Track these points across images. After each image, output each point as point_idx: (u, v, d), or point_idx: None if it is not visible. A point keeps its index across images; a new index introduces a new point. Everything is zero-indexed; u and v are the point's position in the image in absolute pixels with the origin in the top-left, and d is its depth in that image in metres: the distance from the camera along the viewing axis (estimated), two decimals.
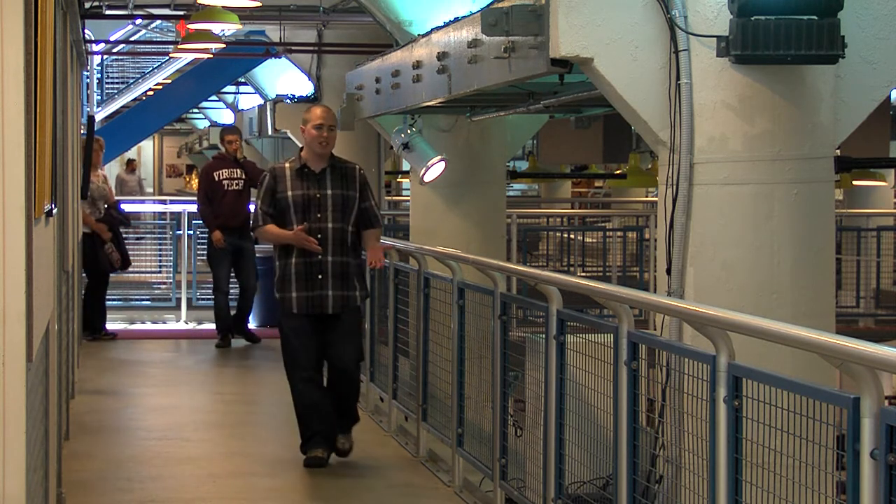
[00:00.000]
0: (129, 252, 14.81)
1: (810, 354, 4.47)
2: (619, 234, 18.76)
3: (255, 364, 13.61)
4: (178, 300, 16.53)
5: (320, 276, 8.56)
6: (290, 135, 19.27)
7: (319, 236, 8.55)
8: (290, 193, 8.60)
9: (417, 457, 9.16)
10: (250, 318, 14.79)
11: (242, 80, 23.98)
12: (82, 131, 15.32)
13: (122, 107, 24.47)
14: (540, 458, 6.93)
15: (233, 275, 14.45)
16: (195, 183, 45.59)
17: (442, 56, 9.45)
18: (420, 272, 9.36)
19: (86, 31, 14.25)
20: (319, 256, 8.55)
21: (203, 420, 10.90)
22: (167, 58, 23.26)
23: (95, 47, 20.03)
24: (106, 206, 14.30)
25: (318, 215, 8.57)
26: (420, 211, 12.53)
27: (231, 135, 14.38)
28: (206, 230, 14.66)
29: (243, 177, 14.08)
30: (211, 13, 14.64)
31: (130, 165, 36.52)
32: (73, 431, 9.74)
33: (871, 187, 19.66)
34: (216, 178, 14.10)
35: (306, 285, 8.57)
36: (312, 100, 18.69)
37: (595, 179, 28.03)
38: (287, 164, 8.73)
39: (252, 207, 8.91)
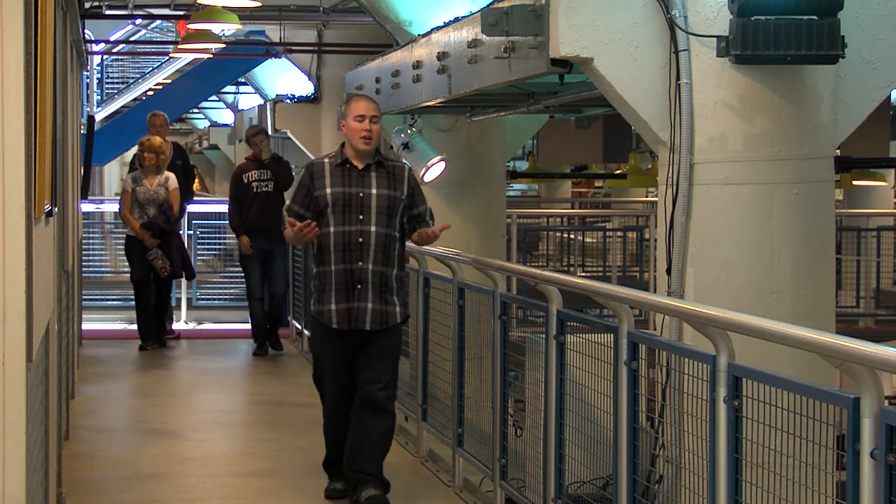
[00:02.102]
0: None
1: (810, 354, 4.47)
2: (619, 234, 18.76)
3: (256, 363, 13.60)
4: (179, 300, 16.52)
5: (359, 287, 7.51)
6: (290, 135, 19.29)
7: (361, 240, 7.52)
8: (329, 191, 7.55)
9: (417, 457, 9.16)
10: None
11: (242, 80, 24.01)
12: (82, 131, 15.32)
13: (122, 107, 24.48)
14: (540, 458, 6.93)
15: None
16: (195, 183, 45.59)
17: (442, 56, 9.46)
18: (420, 272, 9.36)
19: (86, 31, 14.23)
20: (360, 263, 7.50)
21: (203, 420, 10.90)
22: (167, 58, 23.28)
23: (95, 47, 20.04)
24: (163, 210, 13.58)
25: (360, 217, 7.53)
26: None
27: (255, 136, 13.82)
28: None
29: (273, 178, 13.60)
30: (211, 13, 14.64)
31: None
32: (73, 431, 9.74)
33: (871, 187, 19.66)
34: (245, 181, 13.63)
35: (346, 296, 7.53)
36: (312, 100, 18.71)
37: (595, 179, 28.02)
38: (326, 160, 7.68)
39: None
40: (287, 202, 7.76)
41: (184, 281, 16.29)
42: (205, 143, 33.14)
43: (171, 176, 13.84)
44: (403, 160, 8.01)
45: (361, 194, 7.54)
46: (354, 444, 7.61)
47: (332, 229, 7.53)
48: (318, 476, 8.49)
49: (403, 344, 9.76)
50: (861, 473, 4.00)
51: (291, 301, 14.91)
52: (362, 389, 7.57)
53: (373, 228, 7.52)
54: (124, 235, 14.12)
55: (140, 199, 13.63)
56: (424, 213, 7.71)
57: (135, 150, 14.53)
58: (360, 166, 7.58)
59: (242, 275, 14.25)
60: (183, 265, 13.93)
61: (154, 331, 14.09)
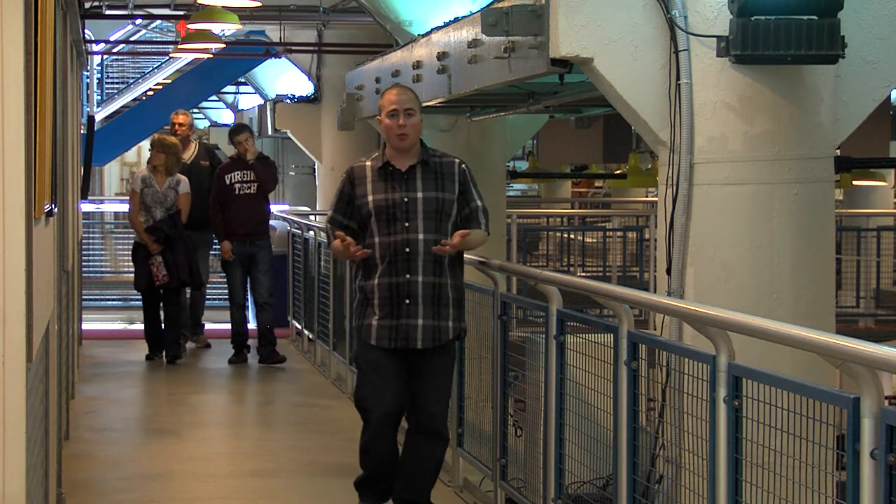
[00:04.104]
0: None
1: (810, 354, 4.47)
2: (619, 234, 18.77)
3: (257, 363, 13.58)
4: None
5: (408, 302, 6.83)
6: (290, 135, 19.29)
7: (408, 250, 6.83)
8: (370, 198, 6.87)
9: None
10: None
11: (242, 80, 24.01)
12: (82, 131, 15.29)
13: (122, 107, 24.47)
14: (540, 458, 6.93)
15: None
16: None
17: (442, 56, 9.46)
18: None
19: (86, 31, 14.22)
20: (408, 276, 6.82)
21: (203, 420, 10.90)
22: (167, 58, 23.27)
23: (95, 47, 20.03)
24: (170, 215, 12.89)
25: (406, 224, 6.84)
26: None
27: (238, 135, 13.19)
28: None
29: (256, 179, 12.98)
30: (211, 13, 14.63)
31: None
32: (73, 431, 9.74)
33: (871, 187, 19.67)
34: (227, 182, 12.97)
35: (391, 312, 6.85)
36: (312, 100, 18.70)
37: (595, 179, 28.04)
38: (368, 163, 6.98)
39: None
40: (330, 212, 7.09)
41: None
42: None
43: (183, 179, 13.06)
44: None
45: (406, 199, 6.86)
46: (406, 471, 7.03)
47: (376, 240, 6.88)
48: (317, 476, 8.51)
49: None
50: (861, 473, 4.00)
51: (291, 301, 14.89)
52: (419, 414, 6.97)
53: (420, 236, 6.84)
54: (125, 237, 13.78)
55: (147, 202, 12.93)
56: (475, 211, 6.97)
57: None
58: (403, 168, 6.92)
59: None
60: (189, 273, 13.06)
61: (166, 343, 13.26)
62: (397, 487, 7.07)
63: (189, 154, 13.73)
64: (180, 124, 13.93)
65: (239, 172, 13.05)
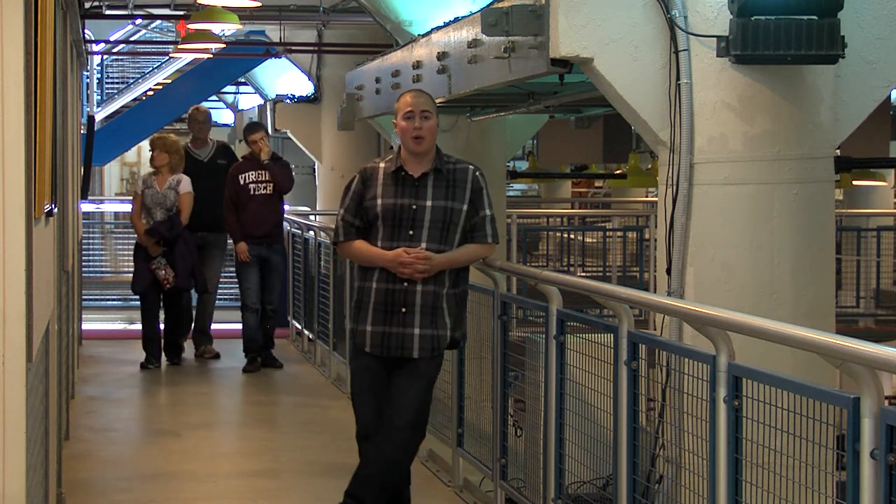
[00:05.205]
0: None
1: (810, 354, 4.47)
2: (619, 234, 18.77)
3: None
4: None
5: (404, 310, 6.69)
6: (290, 135, 19.29)
7: None
8: (379, 202, 6.72)
9: (418, 457, 9.14)
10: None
11: (242, 80, 24.01)
12: (82, 131, 15.28)
13: (122, 107, 24.47)
14: (540, 458, 6.94)
15: None
16: None
17: (442, 56, 9.46)
18: None
19: (86, 31, 14.21)
20: (405, 284, 6.68)
21: (203, 420, 10.89)
22: (167, 58, 23.27)
23: (95, 47, 20.03)
24: (168, 216, 12.55)
25: (411, 232, 6.69)
26: None
27: (253, 133, 12.71)
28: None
29: (271, 180, 12.65)
30: (211, 13, 14.63)
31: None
32: (73, 431, 9.74)
33: (871, 187, 19.67)
34: (241, 182, 12.62)
35: (385, 318, 6.71)
36: (312, 100, 18.70)
37: (595, 179, 28.05)
38: (382, 164, 6.81)
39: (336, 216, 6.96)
40: (339, 212, 6.91)
41: None
42: None
43: (184, 178, 12.70)
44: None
45: (414, 206, 6.71)
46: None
47: (379, 244, 6.73)
48: (318, 476, 8.51)
49: None
50: (861, 473, 4.00)
51: (291, 301, 14.89)
52: (387, 417, 6.74)
53: (423, 245, 6.68)
54: (125, 237, 13.63)
55: (147, 203, 12.64)
56: (483, 221, 6.82)
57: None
58: (416, 174, 6.75)
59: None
60: (190, 277, 12.72)
61: (168, 349, 13.06)
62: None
63: (206, 153, 13.50)
64: (201, 122, 13.65)
65: (253, 172, 12.73)
